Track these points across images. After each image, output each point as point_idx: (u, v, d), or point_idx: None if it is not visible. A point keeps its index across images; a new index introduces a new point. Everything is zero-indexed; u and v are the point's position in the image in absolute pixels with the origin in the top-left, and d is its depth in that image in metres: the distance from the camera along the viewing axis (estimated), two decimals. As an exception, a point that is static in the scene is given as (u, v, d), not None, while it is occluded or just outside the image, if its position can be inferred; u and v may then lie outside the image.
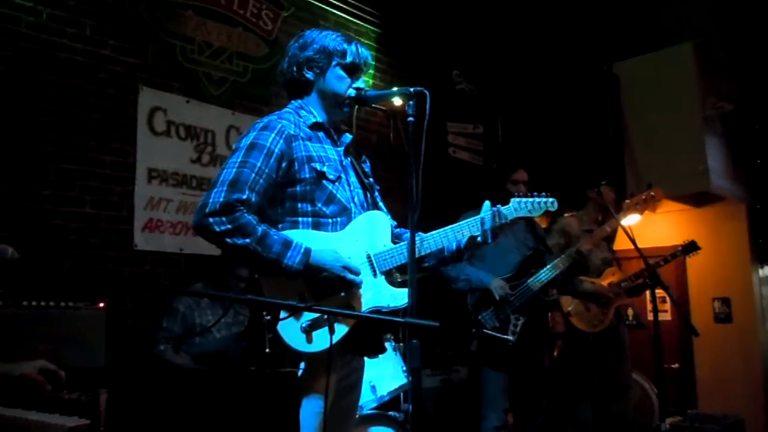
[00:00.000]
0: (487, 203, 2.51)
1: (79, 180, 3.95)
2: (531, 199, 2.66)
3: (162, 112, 4.37)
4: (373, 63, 5.87)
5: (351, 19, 5.74)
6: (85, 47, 4.05)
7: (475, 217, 2.48)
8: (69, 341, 2.69)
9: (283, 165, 2.28)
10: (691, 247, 4.59)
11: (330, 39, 2.47)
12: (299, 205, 2.31)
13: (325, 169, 2.34)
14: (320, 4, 5.48)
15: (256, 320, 1.85)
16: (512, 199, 2.64)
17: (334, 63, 2.45)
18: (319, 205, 2.32)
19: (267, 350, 1.79)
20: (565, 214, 4.77)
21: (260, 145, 2.26)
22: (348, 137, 2.54)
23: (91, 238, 3.96)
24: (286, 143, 2.29)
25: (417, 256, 2.29)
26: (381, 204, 2.59)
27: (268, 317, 1.85)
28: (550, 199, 2.68)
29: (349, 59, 2.47)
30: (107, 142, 4.10)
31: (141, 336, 3.72)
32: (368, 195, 2.52)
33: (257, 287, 2.18)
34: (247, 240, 2.13)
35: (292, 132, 2.32)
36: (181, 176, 4.43)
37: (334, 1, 5.58)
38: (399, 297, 2.35)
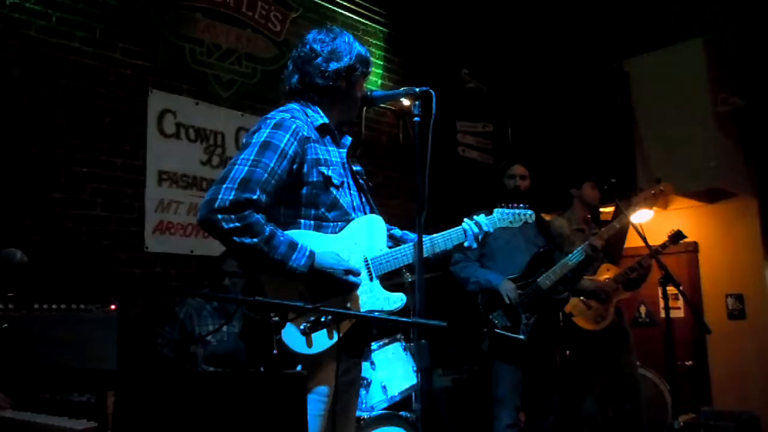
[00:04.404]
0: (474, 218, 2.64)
1: (90, 182, 3.98)
2: (512, 210, 2.82)
3: (171, 114, 4.39)
4: (382, 62, 5.88)
5: (359, 19, 5.74)
6: (95, 50, 4.08)
7: (459, 228, 2.61)
8: (80, 344, 2.70)
9: (294, 167, 2.26)
10: (677, 236, 4.56)
11: (358, 44, 2.48)
12: (303, 207, 2.30)
13: (331, 173, 2.34)
14: (328, 5, 5.49)
15: (263, 322, 1.84)
16: (495, 210, 2.79)
17: (362, 71, 2.46)
18: (323, 209, 2.31)
19: (275, 352, 1.79)
20: (556, 216, 4.77)
21: (274, 144, 2.22)
22: (348, 139, 2.54)
23: (103, 240, 3.98)
24: (299, 145, 2.27)
25: (408, 262, 2.42)
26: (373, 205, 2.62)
27: (276, 318, 1.84)
28: (529, 212, 2.85)
29: (370, 68, 2.51)
30: (118, 144, 4.12)
31: (152, 338, 3.74)
32: (363, 197, 2.53)
33: (259, 287, 2.17)
34: (255, 240, 2.11)
35: (305, 134, 2.30)
36: (191, 178, 4.44)
37: (343, 2, 5.58)
38: (393, 301, 2.40)
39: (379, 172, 5.60)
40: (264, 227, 2.14)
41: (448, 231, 2.60)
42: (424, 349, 2.05)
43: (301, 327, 2.12)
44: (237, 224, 2.10)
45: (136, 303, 4.00)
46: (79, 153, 3.95)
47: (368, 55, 2.50)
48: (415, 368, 3.95)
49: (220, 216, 2.09)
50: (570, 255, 4.11)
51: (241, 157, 2.21)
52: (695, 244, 6.62)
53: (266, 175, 2.18)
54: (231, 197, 2.11)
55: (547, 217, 4.79)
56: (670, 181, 4.61)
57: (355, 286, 2.30)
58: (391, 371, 3.88)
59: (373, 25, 5.87)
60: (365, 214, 2.47)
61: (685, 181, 5.75)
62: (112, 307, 2.98)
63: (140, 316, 3.91)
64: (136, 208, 4.17)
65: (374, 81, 5.70)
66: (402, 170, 5.75)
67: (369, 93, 2.50)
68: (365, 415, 3.61)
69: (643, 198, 4.38)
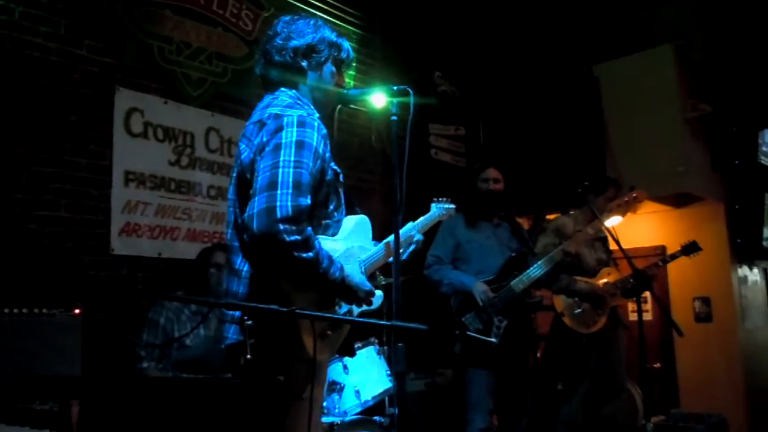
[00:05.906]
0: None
1: (54, 183, 3.85)
2: (441, 205, 2.95)
3: (139, 113, 4.28)
4: (355, 64, 5.83)
5: (332, 20, 5.68)
6: (60, 47, 3.96)
7: (412, 229, 2.70)
8: (43, 349, 2.60)
9: (321, 166, 2.15)
10: (691, 247, 4.58)
11: (328, 30, 2.37)
12: (316, 208, 2.18)
13: (339, 170, 2.29)
14: (301, 5, 5.42)
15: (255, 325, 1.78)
16: (432, 204, 2.91)
17: (331, 56, 2.35)
18: (331, 208, 2.25)
19: (248, 356, 1.72)
20: (568, 214, 4.75)
21: (308, 143, 2.07)
22: None
23: (67, 243, 3.86)
24: (324, 143, 2.16)
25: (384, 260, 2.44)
26: None
27: (249, 322, 1.78)
28: (452, 205, 3.01)
29: (343, 54, 2.38)
30: (83, 144, 4.01)
31: (118, 344, 3.63)
32: None
33: (286, 299, 2.03)
34: (311, 254, 1.99)
35: (324, 131, 2.19)
36: (159, 179, 4.34)
37: (316, 2, 5.53)
38: (375, 300, 2.39)
39: (352, 174, 5.55)
40: (315, 240, 2.03)
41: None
42: (400, 353, 2.03)
43: (328, 332, 2.08)
44: (297, 237, 1.95)
45: (101, 307, 3.88)
46: (43, 152, 3.83)
47: (341, 41, 2.37)
48: (388, 372, 3.91)
49: (282, 227, 1.93)
50: (543, 259, 4.11)
51: (282, 159, 2.02)
52: (663, 248, 6.70)
53: (309, 176, 2.05)
54: (292, 203, 1.95)
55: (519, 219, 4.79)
56: (638, 185, 4.64)
57: (370, 305, 2.28)
58: (364, 375, 3.83)
59: (346, 26, 5.82)
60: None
61: (654, 185, 5.79)
62: (77, 311, 2.89)
63: (106, 320, 3.80)
64: (102, 209, 4.05)
65: (347, 83, 5.65)
66: (374, 172, 5.71)
67: (344, 91, 2.44)
68: (338, 420, 3.55)
69: (616, 205, 4.41)
